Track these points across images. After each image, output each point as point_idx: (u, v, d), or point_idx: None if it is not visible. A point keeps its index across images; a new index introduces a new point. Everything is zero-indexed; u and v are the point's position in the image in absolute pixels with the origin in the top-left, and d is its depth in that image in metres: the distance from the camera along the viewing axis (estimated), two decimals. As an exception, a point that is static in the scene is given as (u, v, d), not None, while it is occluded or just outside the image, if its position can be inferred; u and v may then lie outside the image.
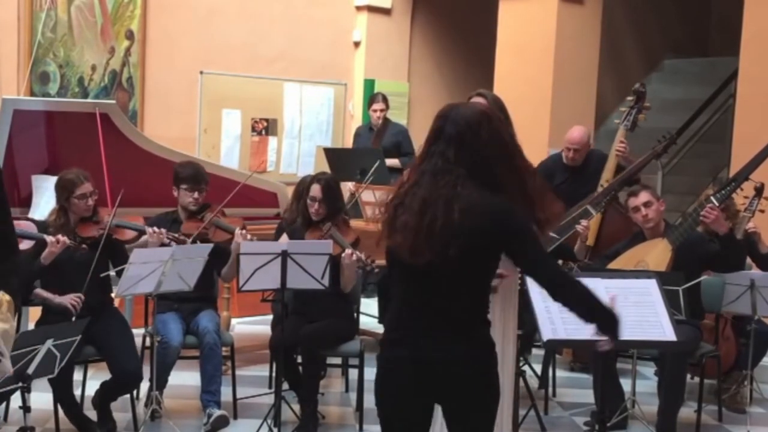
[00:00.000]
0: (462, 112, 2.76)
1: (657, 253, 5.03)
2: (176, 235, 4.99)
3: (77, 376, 4.79)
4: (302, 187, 5.52)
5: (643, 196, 5.09)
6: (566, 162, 6.18)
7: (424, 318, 2.73)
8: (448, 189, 2.66)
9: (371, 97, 8.61)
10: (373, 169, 6.35)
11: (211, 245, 4.87)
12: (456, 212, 2.63)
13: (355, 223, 5.85)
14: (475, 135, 2.71)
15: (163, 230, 4.93)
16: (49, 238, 4.48)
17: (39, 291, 4.66)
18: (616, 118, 6.12)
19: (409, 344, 2.72)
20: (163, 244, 4.85)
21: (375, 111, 8.26)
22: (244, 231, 5.04)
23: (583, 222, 5.36)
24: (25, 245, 4.43)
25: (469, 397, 2.75)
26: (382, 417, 2.83)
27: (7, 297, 2.51)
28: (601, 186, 5.90)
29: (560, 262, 5.78)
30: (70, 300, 4.57)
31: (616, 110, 11.22)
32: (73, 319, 4.51)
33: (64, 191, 4.72)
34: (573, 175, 6.13)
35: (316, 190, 5.03)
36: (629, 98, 6.10)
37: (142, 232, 4.95)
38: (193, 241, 5.03)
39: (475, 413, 2.76)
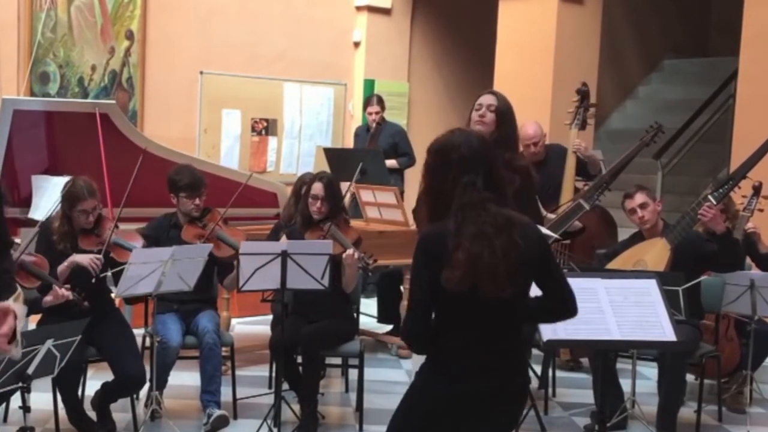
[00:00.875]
0: (470, 139, 2.82)
1: (655, 252, 5.03)
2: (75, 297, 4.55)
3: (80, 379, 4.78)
4: (300, 185, 5.52)
5: (639, 198, 5.09)
6: (528, 158, 6.27)
7: (494, 349, 2.76)
8: (501, 219, 2.70)
9: (367, 99, 8.61)
10: (357, 170, 6.38)
11: (211, 245, 4.86)
12: (519, 240, 2.69)
13: (355, 223, 5.86)
14: (494, 158, 2.82)
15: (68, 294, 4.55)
16: (55, 290, 4.39)
17: (46, 299, 4.59)
18: (566, 120, 6.17)
19: (486, 375, 2.75)
20: None
21: (370, 114, 8.26)
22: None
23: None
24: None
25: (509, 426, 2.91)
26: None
27: (19, 288, 2.58)
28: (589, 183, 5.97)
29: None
30: (91, 260, 4.54)
31: (615, 110, 11.27)
32: (93, 280, 4.49)
33: (68, 201, 4.68)
34: (537, 170, 6.22)
35: (318, 188, 5.03)
36: (574, 99, 6.17)
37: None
38: None
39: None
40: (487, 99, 4.10)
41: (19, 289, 2.57)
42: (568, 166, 6.05)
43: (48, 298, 4.40)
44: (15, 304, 2.49)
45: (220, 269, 5.08)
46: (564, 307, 2.85)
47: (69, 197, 4.66)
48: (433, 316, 2.79)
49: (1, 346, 2.42)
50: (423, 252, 2.74)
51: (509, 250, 2.66)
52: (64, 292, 4.38)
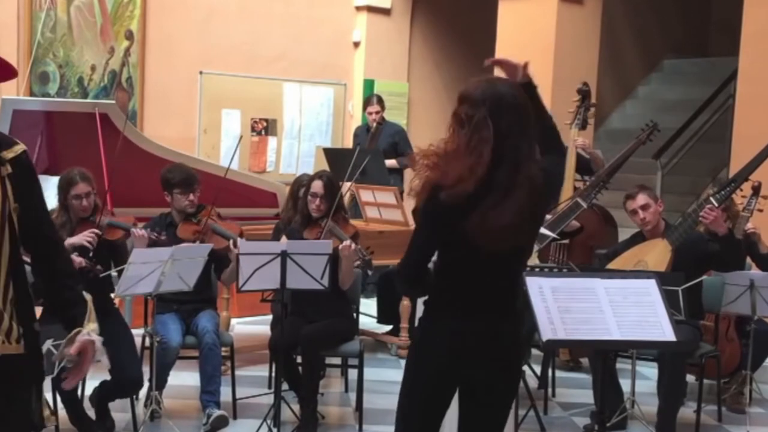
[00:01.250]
0: (502, 90, 2.83)
1: (657, 253, 5.03)
2: (156, 236, 4.92)
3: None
4: (297, 188, 5.54)
5: (641, 199, 5.07)
6: None
7: (495, 296, 2.82)
8: (528, 169, 2.70)
9: (366, 99, 8.62)
10: (351, 166, 6.39)
11: (210, 245, 4.87)
12: (537, 193, 2.72)
13: (355, 223, 5.86)
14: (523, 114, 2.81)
15: (144, 233, 4.87)
16: (134, 232, 4.53)
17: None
18: (567, 120, 6.18)
19: (483, 318, 2.80)
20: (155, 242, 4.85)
21: (370, 113, 8.26)
22: (242, 240, 4.99)
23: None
24: None
25: (514, 373, 2.93)
26: (422, 383, 2.86)
27: (88, 296, 2.63)
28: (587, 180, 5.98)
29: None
30: (86, 237, 4.58)
31: (615, 110, 11.27)
32: (90, 254, 4.55)
33: (62, 189, 4.74)
34: None
35: (317, 186, 5.04)
36: (574, 99, 6.18)
37: (127, 231, 4.93)
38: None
39: (510, 388, 2.91)
40: None
41: (89, 302, 2.61)
42: (567, 165, 6.04)
43: None
44: (90, 325, 2.58)
45: (217, 265, 5.07)
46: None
47: (63, 184, 4.73)
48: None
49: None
50: (434, 212, 2.72)
51: (534, 200, 2.71)
52: (75, 259, 4.41)
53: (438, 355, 2.82)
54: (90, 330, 2.55)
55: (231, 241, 4.97)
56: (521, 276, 2.96)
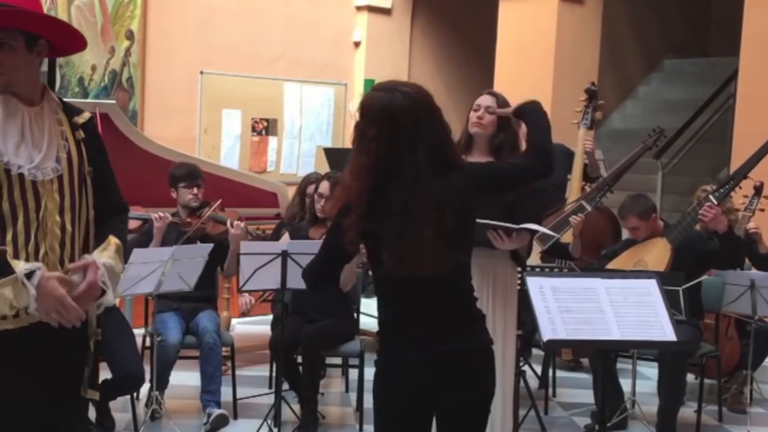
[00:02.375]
0: (411, 95, 2.63)
1: (656, 252, 5.03)
2: (179, 220, 5.06)
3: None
4: (306, 185, 5.54)
5: (630, 222, 5.13)
6: None
7: (436, 318, 2.66)
8: (433, 197, 2.56)
9: None
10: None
11: (211, 245, 4.87)
12: (449, 214, 2.57)
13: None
14: (433, 111, 2.68)
15: (168, 214, 4.99)
16: (154, 215, 4.61)
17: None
18: (569, 119, 6.17)
19: (424, 345, 2.65)
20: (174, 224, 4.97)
21: None
22: (238, 222, 5.05)
23: (578, 216, 5.35)
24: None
25: (479, 389, 2.73)
26: (388, 424, 2.73)
27: (116, 240, 2.62)
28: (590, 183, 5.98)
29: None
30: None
31: (615, 110, 11.27)
32: None
33: None
34: None
35: (324, 187, 5.04)
36: (582, 99, 6.17)
37: (145, 221, 5.00)
38: (193, 235, 5.06)
39: (474, 405, 2.74)
40: (485, 100, 4.03)
41: (112, 240, 2.61)
42: (576, 166, 6.03)
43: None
44: (100, 254, 2.54)
45: (219, 257, 5.06)
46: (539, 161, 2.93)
47: None
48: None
49: (84, 305, 2.48)
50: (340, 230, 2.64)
51: (438, 228, 2.55)
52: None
53: (402, 390, 2.68)
54: (101, 257, 2.53)
55: (228, 222, 5.02)
56: (466, 287, 2.75)
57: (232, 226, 5.02)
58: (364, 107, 2.64)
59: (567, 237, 5.34)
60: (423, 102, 2.65)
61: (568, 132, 6.23)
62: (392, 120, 2.58)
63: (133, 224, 5.02)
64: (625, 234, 6.03)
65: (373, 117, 2.61)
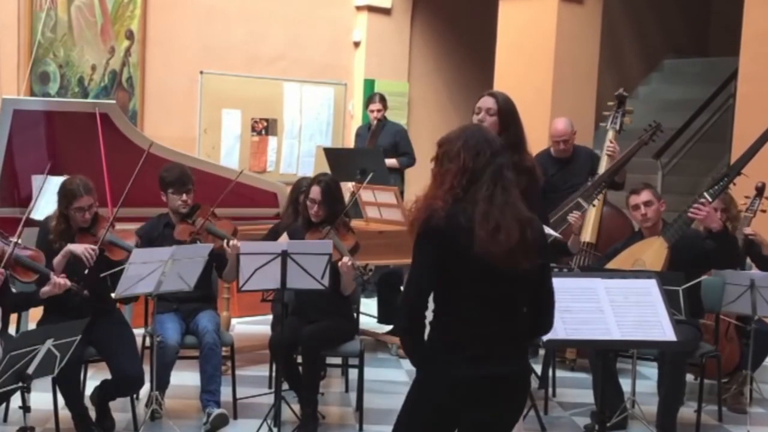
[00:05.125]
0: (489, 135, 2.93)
1: (653, 251, 5.03)
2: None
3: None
4: (297, 192, 5.55)
5: (645, 195, 5.08)
6: (556, 155, 6.40)
7: (502, 334, 2.79)
8: (524, 206, 2.82)
9: (369, 97, 8.62)
10: (358, 172, 6.45)
11: (211, 245, 4.87)
12: (538, 227, 2.83)
13: (355, 223, 5.85)
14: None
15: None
16: (53, 279, 4.37)
17: (44, 290, 4.57)
18: (602, 122, 6.24)
19: (492, 361, 2.77)
20: None
21: (372, 111, 8.27)
22: (233, 242, 4.98)
23: (575, 213, 5.35)
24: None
25: (517, 413, 2.91)
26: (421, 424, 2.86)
27: None
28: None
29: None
30: (83, 250, 4.54)
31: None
32: (86, 271, 4.50)
33: (64, 200, 4.68)
34: (563, 167, 6.31)
35: (315, 192, 5.03)
36: (611, 103, 6.23)
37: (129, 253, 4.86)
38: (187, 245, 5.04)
39: (507, 422, 2.88)
40: (485, 102, 4.03)
41: None
42: (602, 166, 6.10)
43: (46, 288, 4.39)
44: None
45: (216, 264, 5.07)
46: (547, 319, 2.92)
47: (65, 195, 4.67)
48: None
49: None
50: (429, 242, 2.76)
51: (530, 228, 2.77)
52: (61, 281, 4.38)
53: (441, 400, 2.81)
54: None
55: (225, 241, 4.99)
56: (542, 306, 2.89)
57: (228, 245, 4.96)
58: (445, 138, 2.92)
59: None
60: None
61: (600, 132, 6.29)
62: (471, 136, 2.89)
63: (120, 254, 4.70)
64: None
65: (452, 139, 2.88)
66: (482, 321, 2.77)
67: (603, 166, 6.09)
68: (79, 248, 4.56)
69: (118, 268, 4.52)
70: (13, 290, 4.69)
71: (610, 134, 6.19)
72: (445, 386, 2.79)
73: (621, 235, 5.78)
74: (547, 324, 2.92)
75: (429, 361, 2.83)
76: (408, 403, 2.89)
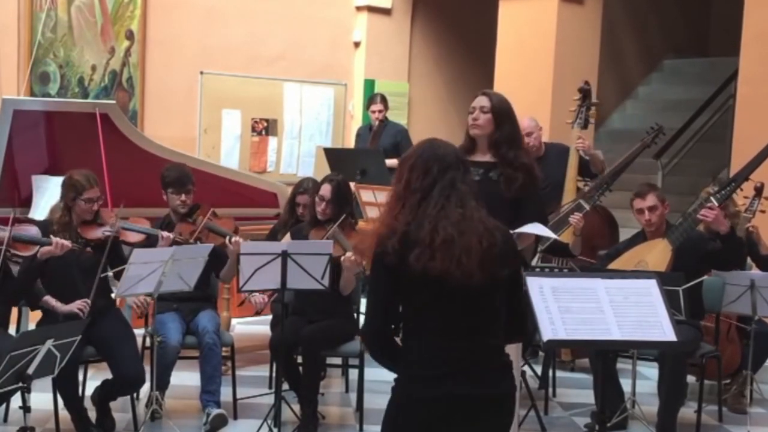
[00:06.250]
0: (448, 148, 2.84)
1: (657, 253, 5.03)
2: (180, 239, 5.00)
3: (79, 376, 4.78)
4: (296, 193, 5.56)
5: (650, 200, 5.04)
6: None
7: (468, 351, 2.69)
8: (480, 212, 2.72)
9: (370, 98, 8.61)
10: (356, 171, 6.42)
11: (211, 245, 4.87)
12: (498, 236, 2.71)
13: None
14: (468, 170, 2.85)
15: (171, 235, 4.95)
16: (53, 240, 4.45)
17: (47, 299, 4.65)
18: (568, 119, 6.16)
19: (455, 380, 2.66)
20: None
21: (374, 112, 8.27)
22: (236, 239, 4.99)
23: (577, 215, 5.34)
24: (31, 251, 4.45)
25: (492, 426, 2.75)
26: None
27: None
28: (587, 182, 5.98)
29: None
30: (78, 306, 4.57)
31: (615, 110, 11.27)
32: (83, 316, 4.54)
33: (71, 191, 4.70)
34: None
35: (326, 189, 5.03)
36: (575, 98, 6.15)
37: (148, 236, 4.95)
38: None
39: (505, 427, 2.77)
40: (479, 101, 4.05)
41: None
42: (570, 165, 6.02)
43: (46, 249, 4.41)
44: None
45: (214, 262, 5.07)
46: (519, 327, 2.86)
47: (75, 185, 4.70)
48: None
49: None
50: (382, 267, 2.71)
51: (487, 239, 2.67)
52: (63, 241, 4.41)
53: (402, 421, 2.73)
54: None
55: (227, 238, 5.00)
56: (494, 330, 2.75)
57: (230, 242, 4.98)
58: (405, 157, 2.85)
59: (566, 236, 5.33)
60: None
61: (569, 133, 6.24)
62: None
63: (136, 237, 4.96)
64: (624, 233, 6.04)
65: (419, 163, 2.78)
66: (443, 338, 2.68)
67: (572, 165, 6.02)
68: (68, 307, 4.61)
69: (117, 269, 4.53)
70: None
71: (575, 131, 6.07)
72: (405, 406, 2.72)
73: (598, 236, 5.82)
74: (521, 330, 2.85)
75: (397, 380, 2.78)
76: (385, 421, 2.82)
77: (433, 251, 2.62)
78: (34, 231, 4.55)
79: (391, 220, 2.73)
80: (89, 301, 4.59)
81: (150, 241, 4.95)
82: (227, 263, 5.06)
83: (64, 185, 4.76)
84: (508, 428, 2.79)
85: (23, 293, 4.66)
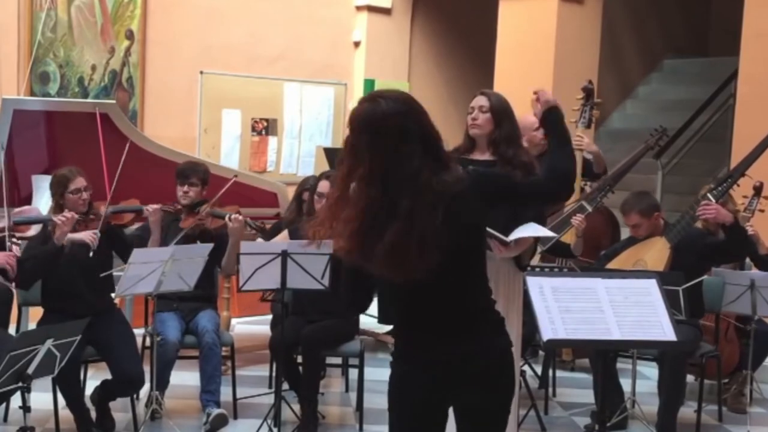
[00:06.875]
0: (397, 103, 2.67)
1: (655, 251, 5.03)
2: (172, 208, 5.05)
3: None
4: (302, 188, 5.54)
5: (632, 219, 5.12)
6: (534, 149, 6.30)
7: (434, 323, 2.70)
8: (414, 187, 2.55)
9: None
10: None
11: (211, 245, 4.87)
12: (440, 215, 2.53)
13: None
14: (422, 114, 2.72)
15: (159, 205, 4.99)
16: (56, 217, 4.47)
17: (57, 236, 4.50)
18: (572, 118, 6.14)
19: (449, 342, 2.68)
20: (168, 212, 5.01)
21: None
22: (236, 215, 5.04)
23: (579, 216, 5.34)
24: (33, 231, 4.48)
25: (488, 387, 2.72)
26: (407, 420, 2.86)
27: None
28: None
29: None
30: (89, 237, 4.58)
31: (615, 110, 11.27)
32: (91, 254, 4.54)
33: (58, 187, 4.73)
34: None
35: (324, 186, 5.03)
36: (578, 97, 6.14)
37: (138, 212, 5.00)
38: (191, 232, 5.05)
39: (493, 405, 2.75)
40: (477, 101, 4.07)
41: None
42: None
43: (59, 232, 4.41)
44: None
45: (216, 254, 5.04)
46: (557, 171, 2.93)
47: (60, 180, 4.75)
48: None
49: None
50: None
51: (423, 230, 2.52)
52: (67, 214, 4.44)
53: (415, 392, 2.79)
54: None
55: (227, 216, 5.02)
56: (469, 291, 2.72)
57: (230, 219, 5.01)
58: (352, 120, 2.65)
59: (568, 237, 5.33)
60: (409, 105, 2.68)
61: (571, 132, 6.22)
62: (381, 125, 2.58)
63: (126, 217, 5.02)
64: (624, 233, 6.04)
65: (362, 127, 2.61)
66: (410, 316, 2.74)
67: (578, 165, 6.01)
68: (80, 235, 4.59)
69: (118, 268, 4.54)
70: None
71: (579, 131, 6.08)
72: (406, 373, 2.81)
73: (601, 236, 5.82)
74: (485, 290, 2.79)
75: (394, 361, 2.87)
76: (389, 407, 2.91)
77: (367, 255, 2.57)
78: (35, 213, 4.57)
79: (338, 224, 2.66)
80: (98, 233, 4.61)
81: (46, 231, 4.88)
82: (228, 247, 5.05)
83: (51, 186, 4.78)
84: (511, 381, 2.80)
85: (41, 269, 4.59)
